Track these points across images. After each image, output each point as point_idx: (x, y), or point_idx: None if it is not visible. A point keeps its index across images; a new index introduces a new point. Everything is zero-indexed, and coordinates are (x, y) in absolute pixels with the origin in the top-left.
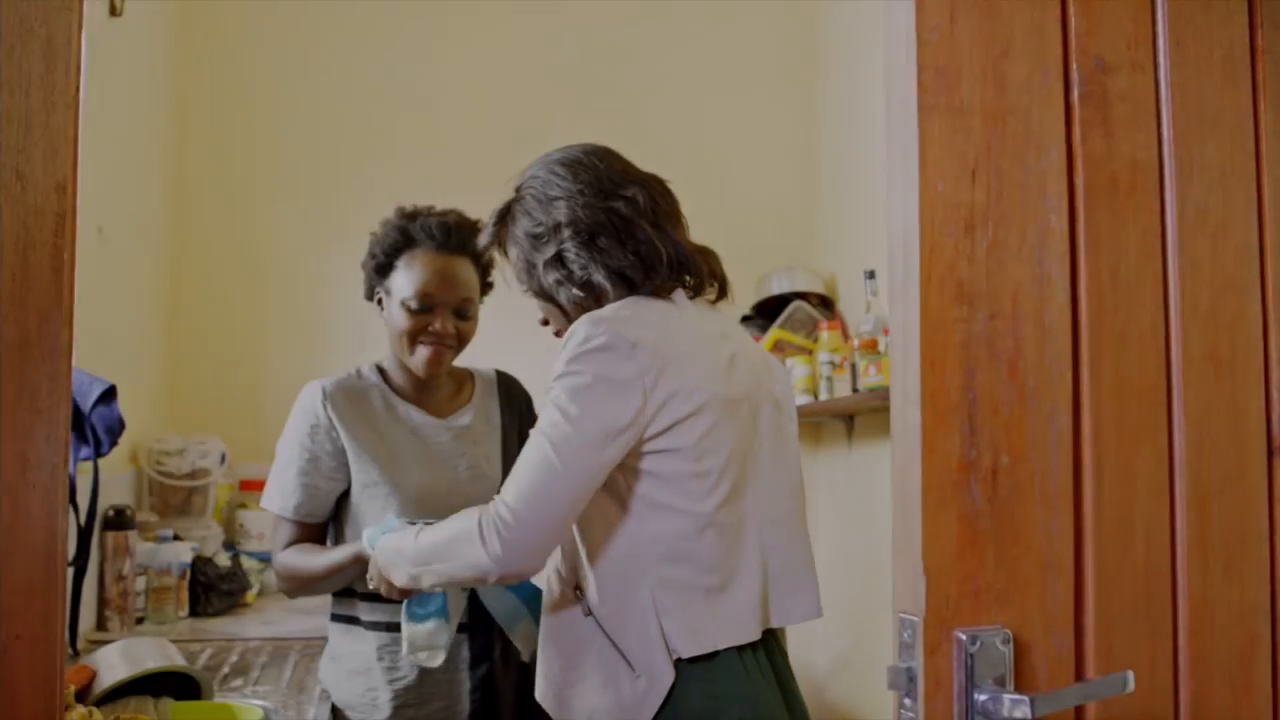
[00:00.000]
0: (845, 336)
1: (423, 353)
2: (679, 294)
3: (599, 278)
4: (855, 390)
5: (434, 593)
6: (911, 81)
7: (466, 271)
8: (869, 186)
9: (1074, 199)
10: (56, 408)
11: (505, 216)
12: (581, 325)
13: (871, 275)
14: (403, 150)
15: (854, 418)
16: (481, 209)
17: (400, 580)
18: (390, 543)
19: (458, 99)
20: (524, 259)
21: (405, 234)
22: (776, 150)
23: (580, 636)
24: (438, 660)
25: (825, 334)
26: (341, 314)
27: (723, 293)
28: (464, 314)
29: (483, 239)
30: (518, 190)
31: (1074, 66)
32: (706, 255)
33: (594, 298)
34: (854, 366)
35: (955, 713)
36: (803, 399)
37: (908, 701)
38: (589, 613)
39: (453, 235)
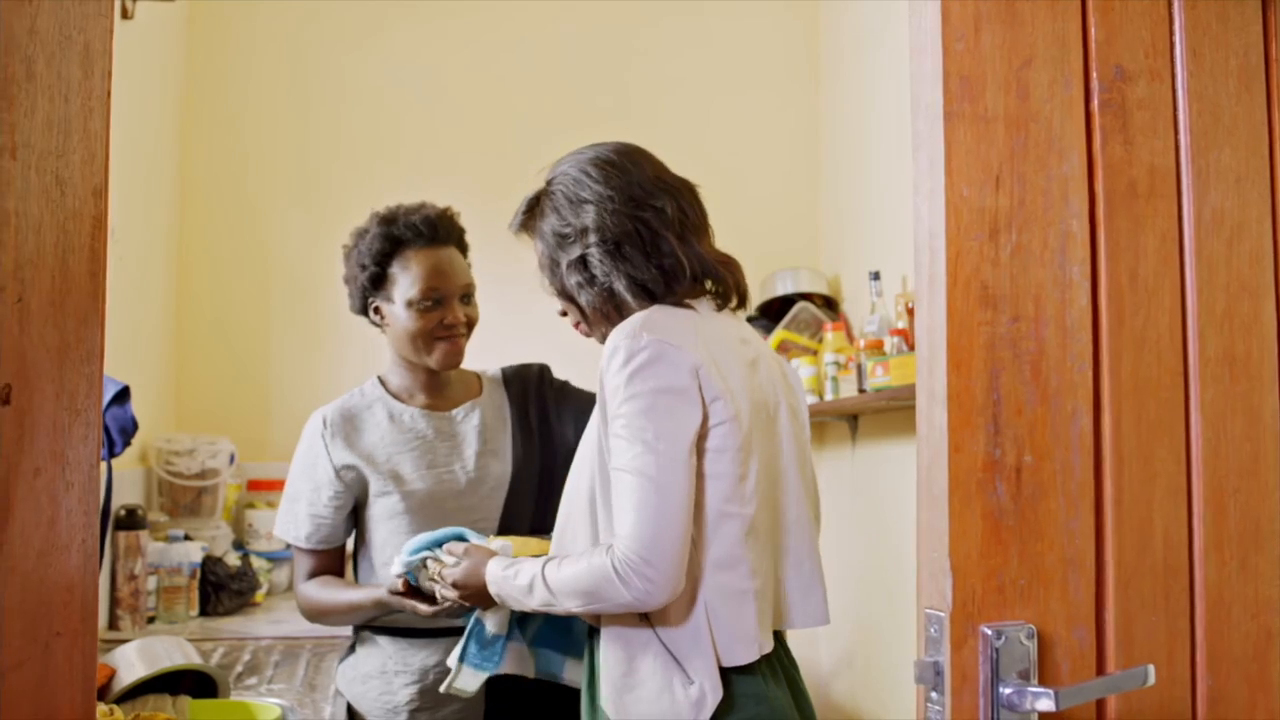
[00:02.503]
0: (850, 337)
1: (441, 347)
2: (702, 302)
3: (619, 287)
4: (861, 390)
5: (497, 642)
6: (937, 89)
7: (459, 259)
8: (872, 188)
9: (1094, 204)
10: (92, 409)
11: (535, 207)
12: (622, 341)
13: (876, 276)
14: (409, 151)
15: (858, 418)
16: (487, 210)
17: (532, 607)
18: (509, 576)
19: (463, 101)
20: (549, 256)
21: (391, 238)
22: (780, 152)
23: (638, 642)
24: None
25: (830, 335)
26: (349, 314)
27: (741, 303)
28: (468, 299)
29: (513, 224)
30: (549, 184)
31: (1094, 75)
32: (730, 266)
33: (613, 305)
34: (859, 367)
35: (981, 706)
36: (807, 399)
37: (934, 695)
38: (645, 618)
39: (439, 228)
